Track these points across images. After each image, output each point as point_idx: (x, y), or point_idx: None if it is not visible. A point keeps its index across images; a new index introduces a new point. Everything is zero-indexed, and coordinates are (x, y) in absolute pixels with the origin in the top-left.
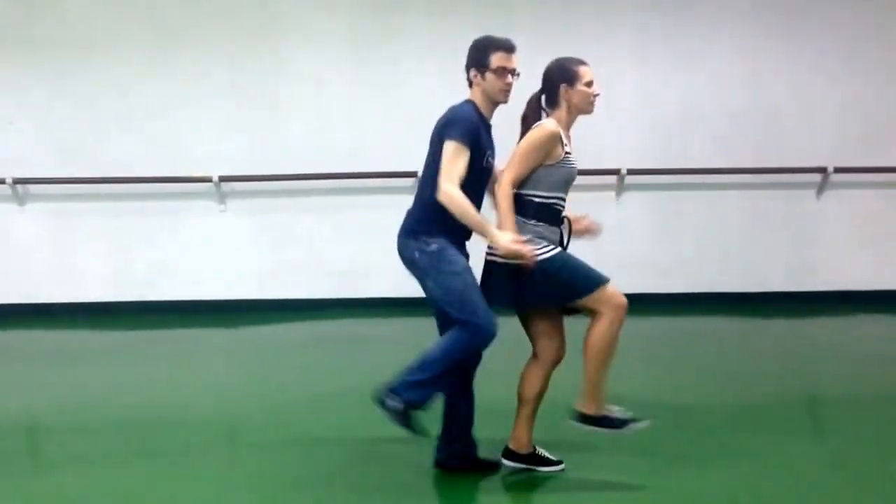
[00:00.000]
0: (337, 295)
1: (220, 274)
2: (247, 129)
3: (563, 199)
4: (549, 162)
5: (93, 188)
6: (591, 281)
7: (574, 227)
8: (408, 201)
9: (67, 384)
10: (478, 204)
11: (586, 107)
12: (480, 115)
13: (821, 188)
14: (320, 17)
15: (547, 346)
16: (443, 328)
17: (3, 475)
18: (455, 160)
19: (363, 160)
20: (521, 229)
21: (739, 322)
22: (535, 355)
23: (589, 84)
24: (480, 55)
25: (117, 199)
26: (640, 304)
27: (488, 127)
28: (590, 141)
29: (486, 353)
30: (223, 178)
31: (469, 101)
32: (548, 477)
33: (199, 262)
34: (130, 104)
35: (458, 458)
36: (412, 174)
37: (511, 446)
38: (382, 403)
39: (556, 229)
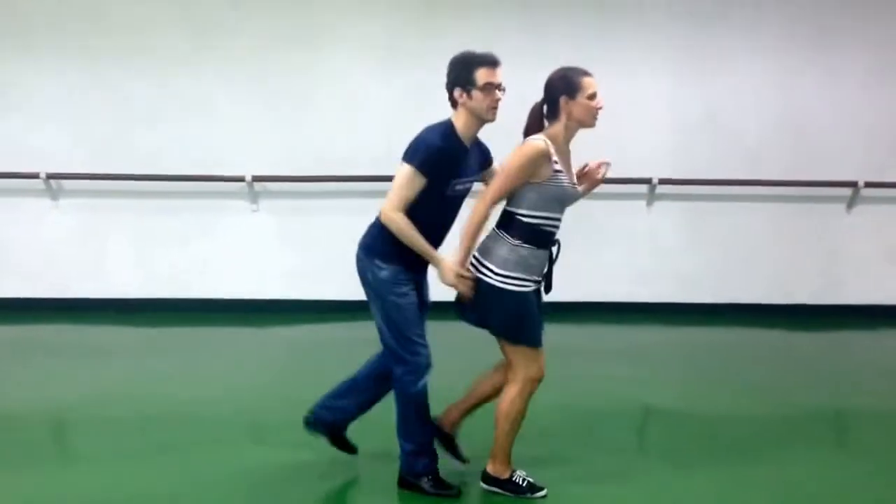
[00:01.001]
0: (363, 297)
1: (250, 273)
2: (280, 129)
3: (556, 220)
4: (535, 180)
5: (125, 185)
6: (530, 337)
7: (588, 179)
8: None
9: (94, 379)
10: (442, 232)
11: (588, 120)
12: (456, 139)
13: (851, 202)
14: (356, 18)
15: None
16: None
17: (29, 467)
18: (404, 186)
19: (393, 164)
20: (503, 248)
21: (765, 334)
22: (496, 365)
23: (592, 97)
24: (464, 73)
25: (149, 196)
26: (667, 313)
27: (465, 151)
28: (621, 150)
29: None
30: (256, 178)
31: (444, 124)
32: (570, 487)
33: (230, 261)
34: (165, 102)
35: (326, 425)
36: None
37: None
38: (419, 490)
39: (541, 253)
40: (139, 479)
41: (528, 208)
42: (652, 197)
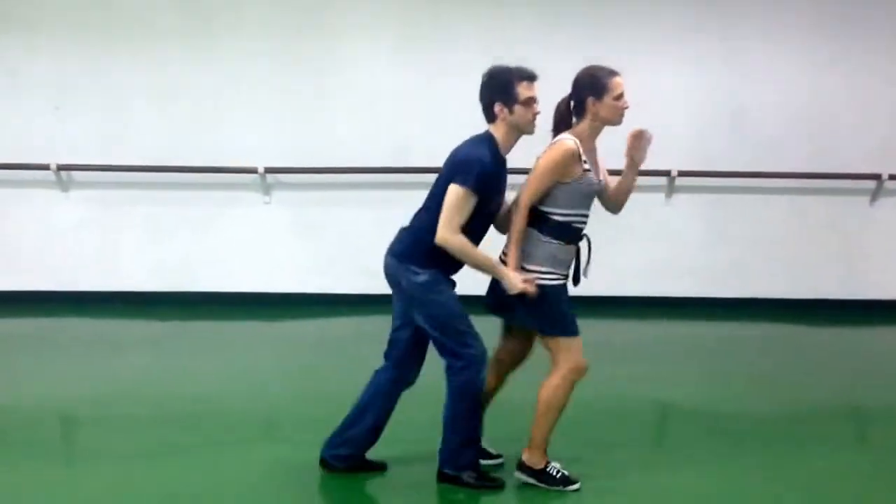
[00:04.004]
0: (377, 291)
1: (261, 266)
2: (293, 120)
3: (584, 216)
4: (565, 180)
5: (136, 176)
6: (567, 327)
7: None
8: None
9: (104, 373)
10: (478, 241)
11: (615, 119)
12: (497, 154)
13: (874, 195)
14: (369, 9)
15: (515, 347)
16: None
17: (40, 463)
18: (460, 209)
19: (408, 155)
20: (534, 245)
21: (786, 328)
22: (496, 356)
23: (619, 97)
24: (505, 87)
25: (161, 188)
26: (687, 307)
27: (504, 163)
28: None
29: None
30: (269, 170)
31: (487, 138)
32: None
33: (241, 254)
34: (176, 93)
35: (343, 459)
36: None
37: None
38: (460, 483)
39: (571, 248)
40: (152, 475)
41: (558, 207)
42: (671, 189)
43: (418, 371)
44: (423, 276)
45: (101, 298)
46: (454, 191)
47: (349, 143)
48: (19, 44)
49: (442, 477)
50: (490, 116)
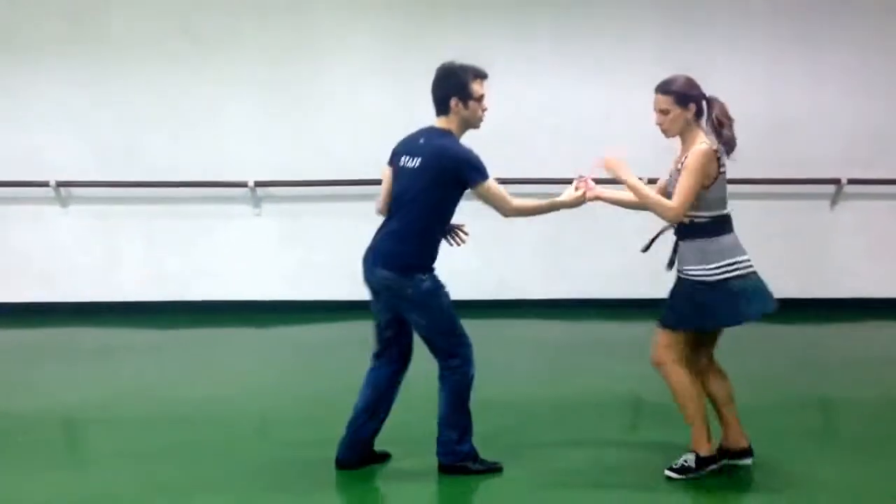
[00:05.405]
0: (362, 297)
1: (253, 275)
2: (281, 136)
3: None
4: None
5: (132, 191)
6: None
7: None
8: None
9: (105, 380)
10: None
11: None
12: None
13: (835, 199)
14: (356, 25)
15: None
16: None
17: (42, 468)
18: (502, 192)
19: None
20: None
21: (750, 328)
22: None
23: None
24: (462, 83)
25: (156, 202)
26: (653, 309)
27: None
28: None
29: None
30: (259, 184)
31: (449, 133)
32: (574, 474)
33: (234, 265)
34: (169, 110)
35: (359, 458)
36: None
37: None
38: (465, 472)
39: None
40: (151, 479)
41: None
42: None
43: (410, 358)
44: (427, 283)
45: (99, 308)
46: (487, 187)
47: (335, 158)
48: (19, 65)
49: (444, 469)
50: (443, 109)
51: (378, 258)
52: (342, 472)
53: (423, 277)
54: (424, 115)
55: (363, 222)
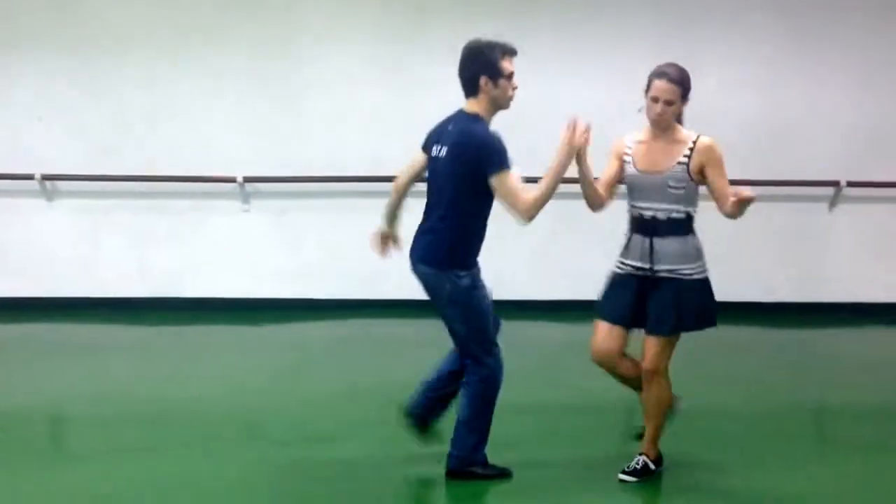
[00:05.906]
0: (356, 296)
1: (242, 272)
2: (271, 130)
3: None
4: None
5: (119, 185)
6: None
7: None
8: None
9: (91, 377)
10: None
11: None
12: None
13: (833, 201)
14: (345, 19)
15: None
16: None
17: (27, 466)
18: (518, 187)
19: (385, 163)
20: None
21: (746, 331)
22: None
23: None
24: (491, 61)
25: (143, 196)
26: None
27: None
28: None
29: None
30: (247, 179)
31: (476, 117)
32: (572, 480)
33: (222, 261)
34: (157, 104)
35: (430, 413)
36: None
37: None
38: (473, 476)
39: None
40: (135, 477)
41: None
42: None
43: None
44: (466, 279)
45: (85, 304)
46: (504, 179)
47: (325, 153)
48: (4, 57)
49: (453, 474)
50: (472, 90)
51: (418, 253)
52: (329, 470)
53: (462, 274)
54: (417, 112)
55: (353, 218)
